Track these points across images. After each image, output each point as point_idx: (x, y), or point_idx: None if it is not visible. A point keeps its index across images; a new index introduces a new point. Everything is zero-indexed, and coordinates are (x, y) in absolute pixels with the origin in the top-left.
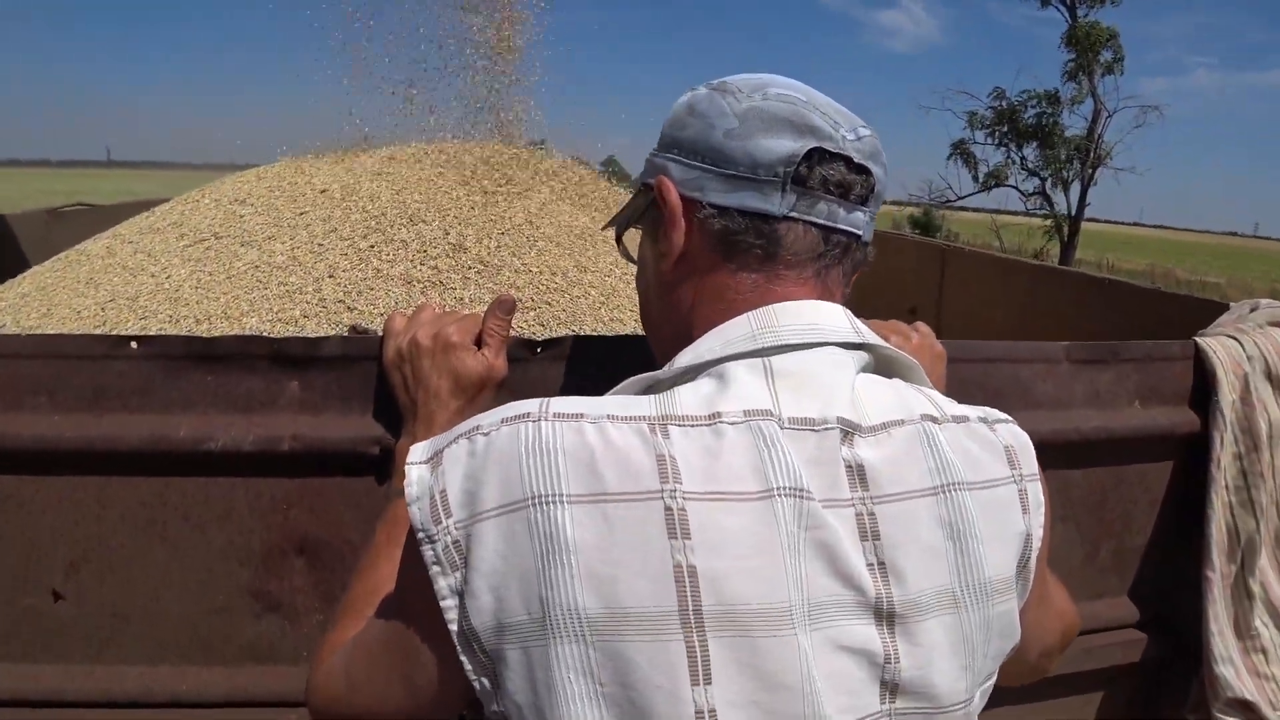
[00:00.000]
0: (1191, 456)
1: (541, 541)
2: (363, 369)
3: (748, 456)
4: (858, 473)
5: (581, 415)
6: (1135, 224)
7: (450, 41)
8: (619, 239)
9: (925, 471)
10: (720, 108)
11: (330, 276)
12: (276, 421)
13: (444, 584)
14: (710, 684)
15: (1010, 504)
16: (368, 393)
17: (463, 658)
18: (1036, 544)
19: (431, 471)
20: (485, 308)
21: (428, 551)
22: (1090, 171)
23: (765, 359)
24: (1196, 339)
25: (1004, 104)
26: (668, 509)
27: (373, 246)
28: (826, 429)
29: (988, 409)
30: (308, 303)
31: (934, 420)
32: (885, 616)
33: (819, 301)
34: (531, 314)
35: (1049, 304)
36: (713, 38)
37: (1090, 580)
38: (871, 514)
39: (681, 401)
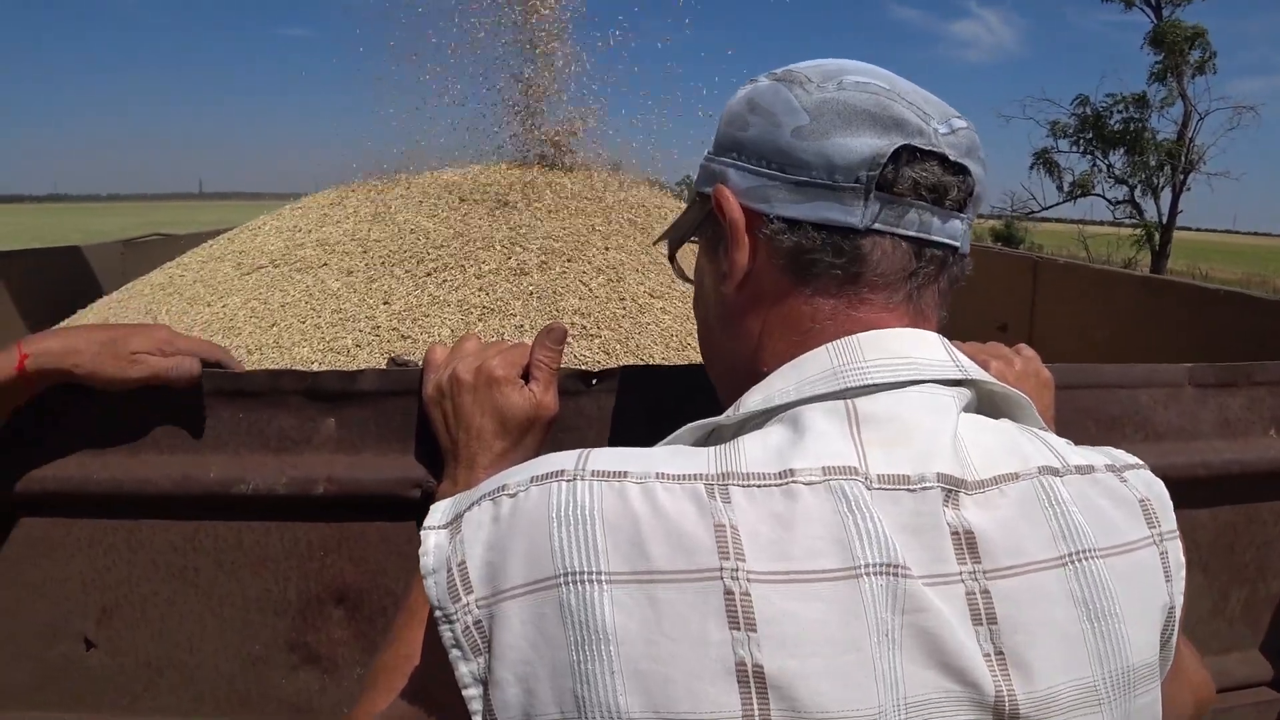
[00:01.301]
0: None
1: (575, 628)
2: (402, 404)
3: (827, 526)
4: (965, 541)
5: (625, 474)
6: (1230, 231)
7: (510, 66)
8: (672, 256)
9: (1048, 537)
10: (787, 102)
11: (385, 304)
12: (311, 462)
13: (465, 670)
14: None
15: (1152, 570)
16: (408, 430)
17: None
18: (1179, 615)
19: (450, 539)
20: (535, 339)
21: (446, 633)
22: (1182, 177)
23: (849, 401)
24: None
25: (1088, 110)
26: (728, 593)
27: (429, 273)
28: (925, 489)
29: (1113, 451)
30: (360, 330)
31: (1054, 472)
32: (1007, 719)
33: (913, 330)
34: (596, 341)
35: (1155, 318)
36: (785, 51)
37: (1219, 633)
38: (985, 591)
39: (747, 455)
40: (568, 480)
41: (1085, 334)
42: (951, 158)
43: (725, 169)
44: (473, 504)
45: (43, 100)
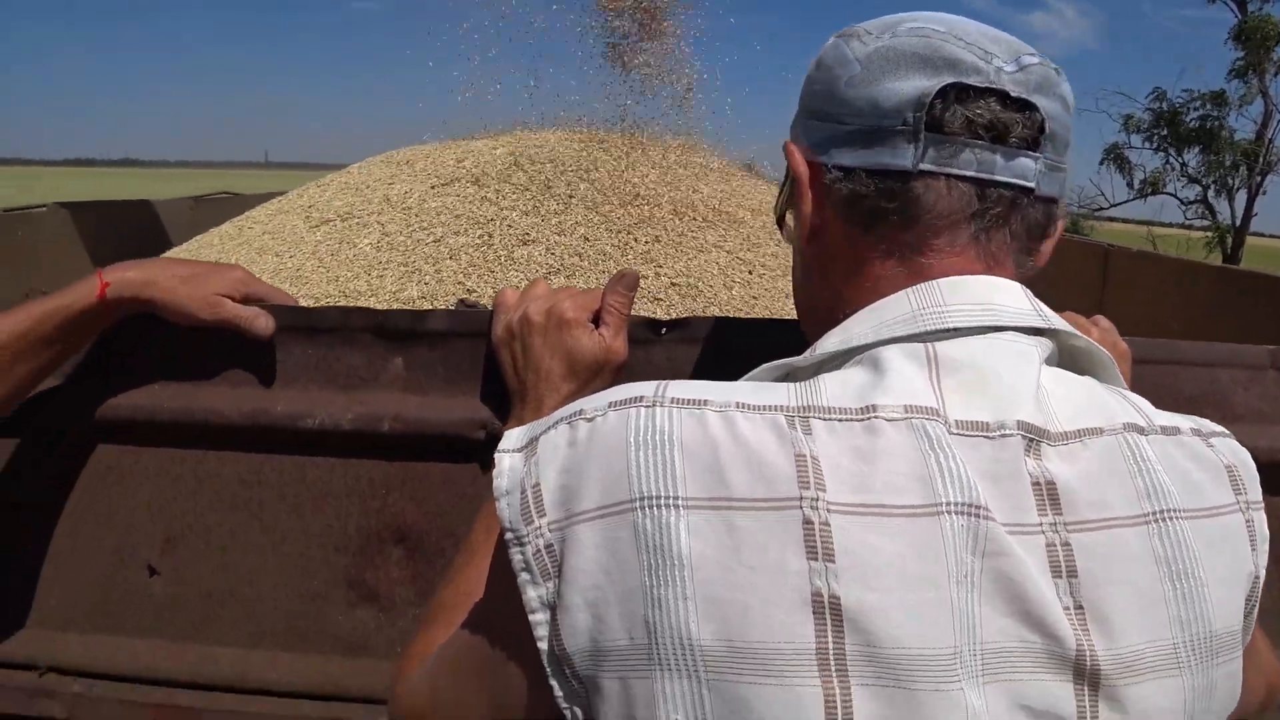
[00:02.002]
0: None
1: (649, 553)
2: (470, 346)
3: (910, 462)
4: (1047, 491)
5: (705, 402)
6: None
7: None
8: (780, 221)
9: (1133, 494)
10: (843, 55)
11: (451, 258)
12: (378, 400)
13: (534, 595)
14: None
15: (1238, 536)
16: (475, 372)
17: (553, 682)
18: (1261, 587)
19: (525, 461)
20: (607, 284)
21: (516, 555)
22: (1259, 179)
23: (929, 345)
24: None
25: (1164, 106)
26: (807, 522)
27: (494, 232)
28: (1005, 435)
29: (1199, 419)
30: (425, 284)
31: (1140, 430)
32: (1088, 675)
33: (991, 277)
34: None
35: (1229, 309)
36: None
37: None
38: (1066, 544)
39: (827, 391)
40: (646, 406)
41: (1159, 326)
42: (1013, 94)
43: (798, 128)
44: (549, 428)
45: (117, 68)
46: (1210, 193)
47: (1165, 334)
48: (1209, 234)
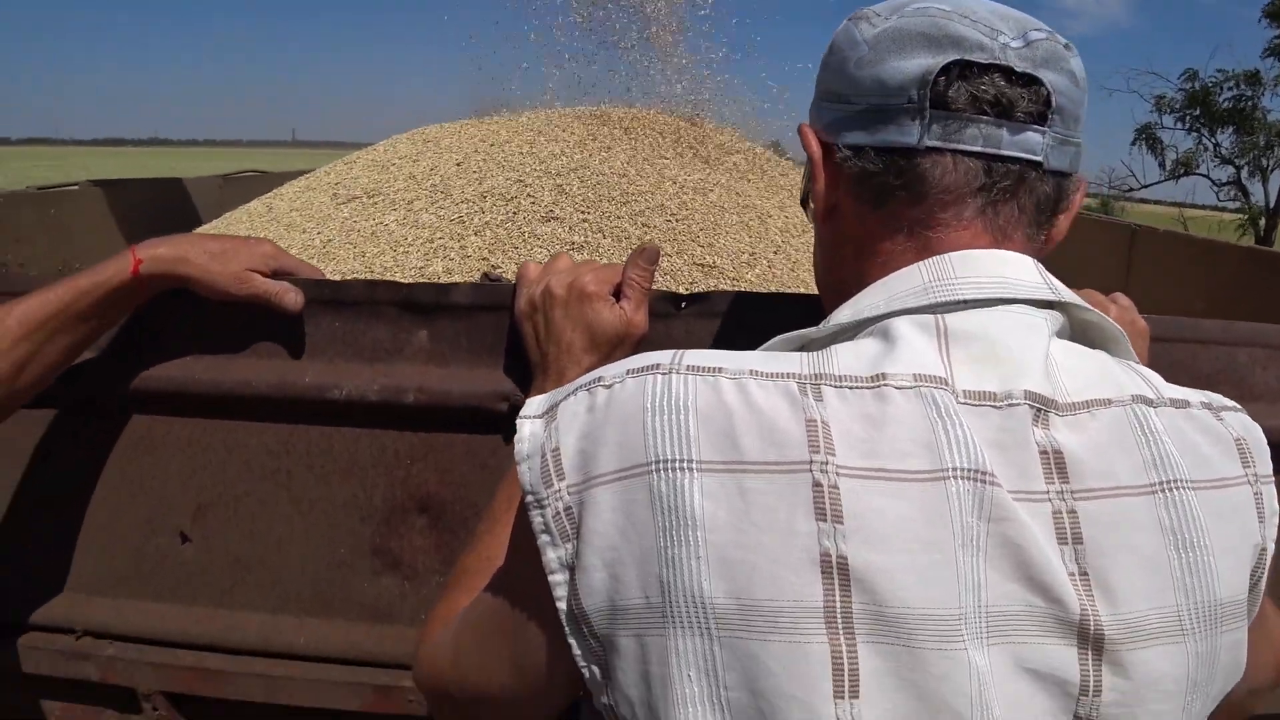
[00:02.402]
0: None
1: (664, 514)
2: (494, 319)
3: (918, 428)
4: (1054, 460)
5: (719, 370)
6: None
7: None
8: (804, 201)
9: (1140, 464)
10: (852, 37)
11: (476, 234)
12: (402, 372)
13: (553, 556)
14: (857, 698)
15: (1245, 508)
16: (498, 345)
17: (571, 640)
18: (1269, 559)
19: (545, 426)
20: (628, 258)
21: (536, 518)
22: None
23: (938, 316)
24: None
25: (1196, 85)
26: (817, 484)
27: (519, 210)
28: (1011, 405)
29: (1210, 393)
30: (450, 259)
31: (1148, 402)
32: (1091, 639)
33: (1002, 250)
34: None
35: (1258, 290)
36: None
37: None
38: (1072, 512)
39: (839, 360)
40: (663, 374)
41: (1183, 303)
42: (1018, 69)
43: (814, 110)
44: (569, 394)
45: (146, 47)
46: (1244, 174)
47: (1189, 314)
48: (1241, 216)
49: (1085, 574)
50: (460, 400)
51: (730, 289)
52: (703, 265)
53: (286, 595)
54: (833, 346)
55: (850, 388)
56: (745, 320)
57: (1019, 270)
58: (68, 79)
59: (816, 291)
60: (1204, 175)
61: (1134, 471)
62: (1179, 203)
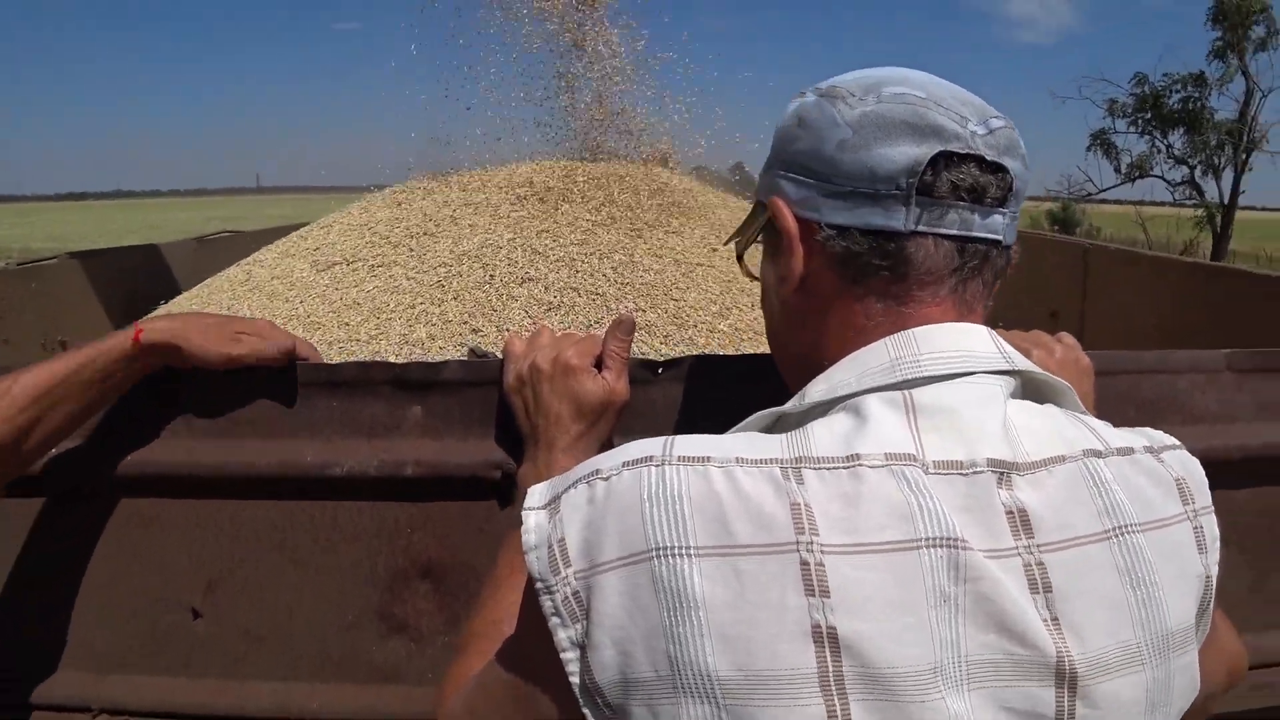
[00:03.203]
0: None
1: (667, 596)
2: (482, 393)
3: (891, 504)
4: (1019, 518)
5: (708, 459)
6: None
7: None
8: (740, 257)
9: (1094, 514)
10: (831, 117)
11: (455, 299)
12: (399, 446)
13: (564, 636)
14: None
15: (1186, 544)
16: (488, 417)
17: (585, 710)
18: (1214, 585)
19: (550, 518)
20: (607, 330)
21: (546, 602)
22: (1244, 156)
23: (906, 392)
24: None
25: (1146, 89)
26: (804, 563)
27: (494, 273)
28: (976, 473)
29: (1151, 432)
30: (433, 324)
31: (1097, 454)
32: (1066, 677)
33: (962, 324)
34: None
35: (1206, 305)
36: (839, 39)
37: (1258, 611)
38: (1040, 563)
39: (815, 441)
40: (656, 465)
41: (1136, 320)
42: (989, 158)
43: (780, 181)
44: (569, 487)
45: (106, 100)
46: (1197, 173)
47: (1143, 330)
48: (1198, 213)
49: (1056, 619)
50: (455, 470)
51: (706, 341)
52: (676, 319)
53: (297, 661)
54: (809, 425)
55: (828, 469)
56: (717, 381)
57: (978, 342)
58: (27, 135)
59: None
60: (1159, 176)
61: (1089, 521)
62: (1137, 201)
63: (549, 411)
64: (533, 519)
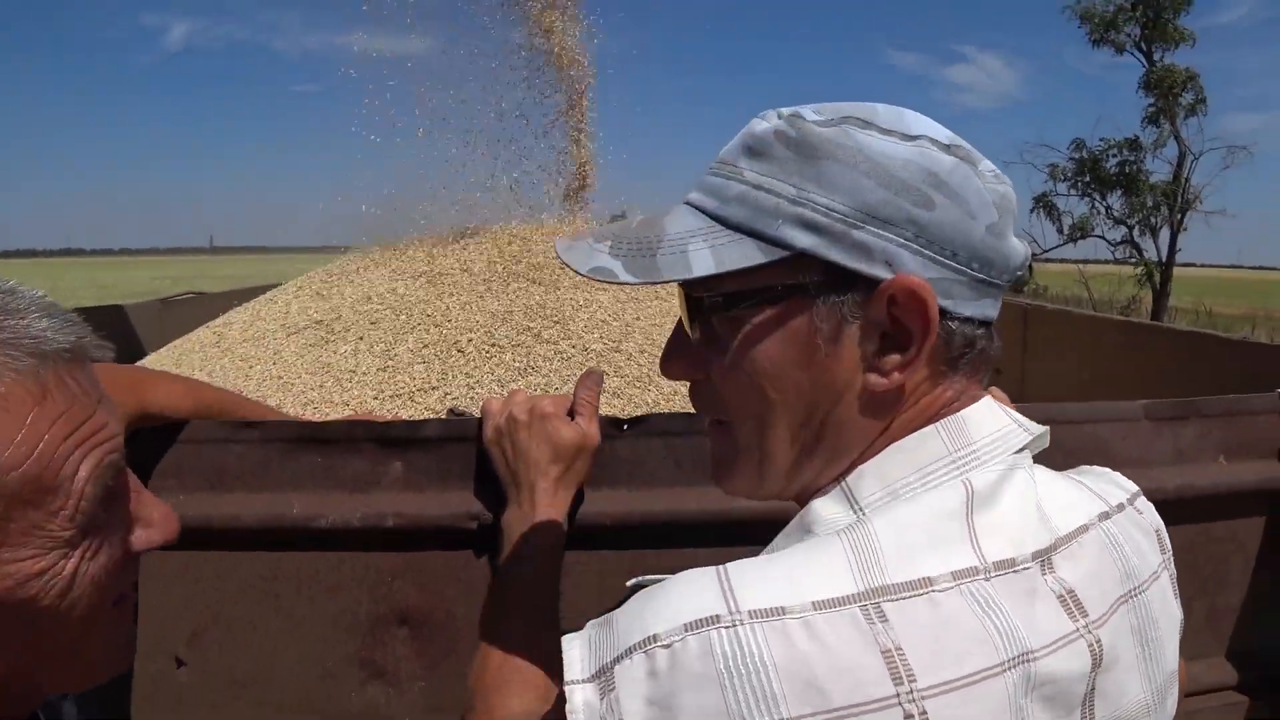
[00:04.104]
0: None
1: None
2: (461, 450)
3: (969, 628)
4: (1072, 600)
5: (783, 610)
6: (1234, 266)
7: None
8: (701, 313)
9: (1118, 579)
10: (979, 192)
11: (423, 364)
12: (381, 500)
13: None
14: None
15: (1169, 591)
16: (465, 472)
17: None
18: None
19: (601, 696)
20: (577, 381)
21: None
22: (1179, 216)
23: (966, 484)
24: None
25: (1085, 154)
26: (908, 715)
27: (456, 338)
28: (1025, 569)
29: (1110, 474)
30: (399, 385)
31: (1107, 515)
32: None
33: (985, 400)
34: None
35: (1139, 361)
36: (776, 99)
37: (1185, 641)
38: (1099, 640)
39: (886, 560)
40: (726, 627)
41: (1073, 377)
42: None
43: (898, 250)
44: (620, 656)
45: (57, 155)
46: (1135, 232)
47: (1080, 385)
48: (1138, 270)
49: (1092, 689)
50: (434, 522)
51: (670, 396)
52: (639, 381)
53: (280, 707)
54: (871, 524)
55: (906, 599)
56: (680, 436)
57: (1002, 419)
58: None
59: None
60: (1100, 236)
61: (1115, 585)
62: (1080, 260)
63: (528, 457)
64: (580, 696)
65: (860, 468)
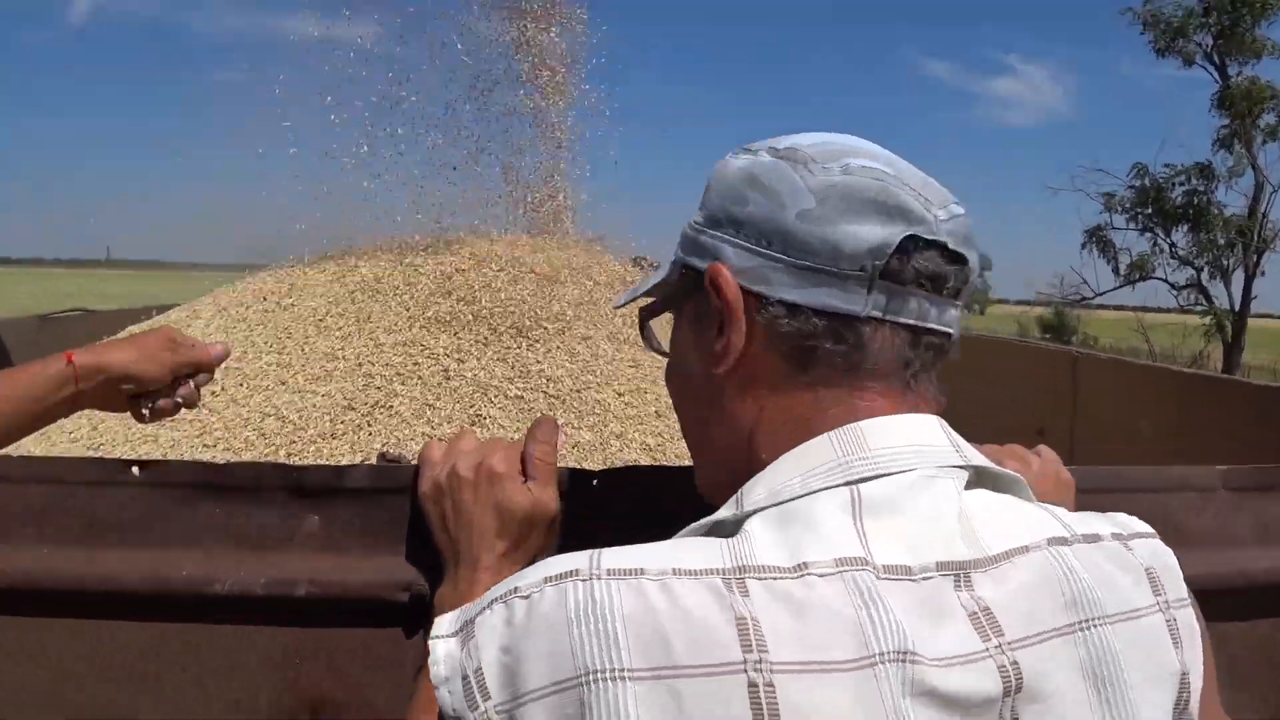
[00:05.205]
0: None
1: None
2: (392, 502)
3: (844, 617)
4: (985, 618)
5: (641, 570)
6: None
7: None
8: (644, 325)
9: (1061, 606)
10: (792, 182)
11: (366, 416)
12: (292, 562)
13: None
14: None
15: (1159, 637)
16: (397, 530)
17: None
18: (1196, 684)
19: (462, 646)
20: (522, 432)
21: None
22: (1255, 258)
23: (854, 489)
24: None
25: (1146, 182)
26: (752, 685)
27: (376, 365)
28: (925, 579)
29: (1121, 518)
30: (340, 428)
31: (1063, 542)
32: None
33: (914, 415)
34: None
35: (1206, 419)
36: (807, 116)
37: None
38: (1015, 663)
39: (759, 546)
40: (583, 579)
41: (1130, 437)
42: (951, 246)
43: (720, 245)
44: (483, 609)
45: None
46: (1204, 275)
47: (1138, 445)
48: (1206, 320)
49: (1015, 718)
50: (356, 591)
51: (634, 447)
52: (599, 431)
53: None
54: (749, 527)
55: (775, 579)
56: (657, 492)
57: (930, 434)
58: None
59: None
60: (1162, 279)
61: (1055, 613)
62: (1139, 307)
63: (472, 524)
64: (442, 648)
65: (756, 476)
